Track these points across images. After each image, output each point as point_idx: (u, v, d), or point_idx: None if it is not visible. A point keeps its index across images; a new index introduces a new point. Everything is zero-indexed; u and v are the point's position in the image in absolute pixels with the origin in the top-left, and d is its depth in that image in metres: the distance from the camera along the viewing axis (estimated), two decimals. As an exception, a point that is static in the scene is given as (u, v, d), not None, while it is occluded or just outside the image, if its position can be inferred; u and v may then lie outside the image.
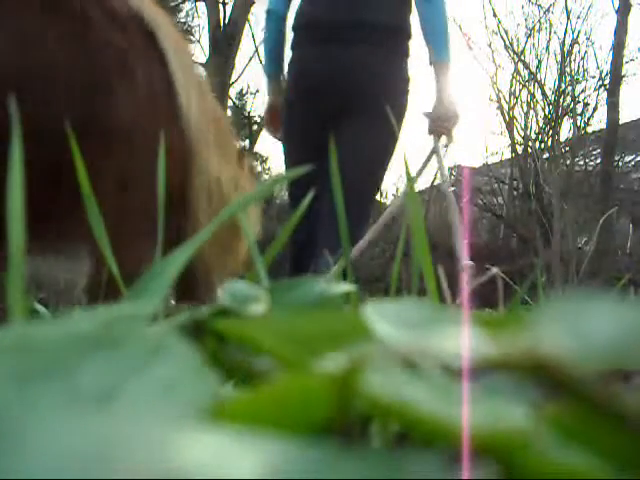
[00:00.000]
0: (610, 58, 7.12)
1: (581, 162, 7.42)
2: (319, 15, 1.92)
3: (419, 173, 1.67)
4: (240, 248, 1.28)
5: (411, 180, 0.53)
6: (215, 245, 1.14)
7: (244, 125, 10.09)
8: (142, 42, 1.03)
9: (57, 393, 0.16)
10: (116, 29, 0.98)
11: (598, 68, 7.73)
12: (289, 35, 2.05)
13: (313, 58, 1.92)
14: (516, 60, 7.79)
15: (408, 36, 1.95)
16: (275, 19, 2.04)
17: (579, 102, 7.63)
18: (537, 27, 7.88)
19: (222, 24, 5.89)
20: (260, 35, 8.37)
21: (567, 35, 7.68)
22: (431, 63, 1.87)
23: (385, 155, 1.93)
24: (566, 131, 8.83)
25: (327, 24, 1.91)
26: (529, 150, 7.63)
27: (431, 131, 1.85)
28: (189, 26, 8.63)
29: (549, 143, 7.55)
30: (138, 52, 1.01)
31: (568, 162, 7.13)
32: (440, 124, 1.85)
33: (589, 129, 7.73)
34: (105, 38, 0.96)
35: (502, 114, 7.84)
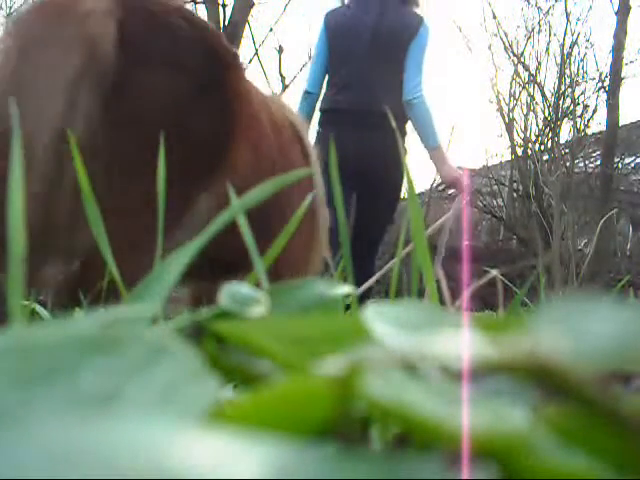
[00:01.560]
0: (610, 60, 7.11)
1: (581, 164, 7.40)
2: (345, 104, 2.47)
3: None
4: (320, 248, 1.70)
5: (411, 182, 0.53)
6: (301, 245, 1.55)
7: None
8: (298, 145, 1.61)
9: (58, 395, 0.16)
10: (288, 145, 1.55)
11: (598, 70, 7.73)
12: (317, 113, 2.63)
13: (339, 138, 2.40)
14: (516, 62, 7.78)
15: (406, 120, 2.49)
16: (311, 100, 2.55)
17: (579, 104, 7.62)
18: (537, 29, 7.87)
19: (222, 26, 5.89)
20: (260, 36, 8.63)
21: (567, 37, 7.65)
22: (425, 148, 2.44)
23: (394, 211, 2.64)
24: (566, 133, 8.82)
25: (351, 112, 2.46)
26: (529, 152, 7.62)
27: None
28: (189, 28, 8.64)
29: (549, 145, 7.54)
30: (298, 154, 1.59)
31: (568, 164, 7.11)
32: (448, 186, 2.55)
33: (589, 131, 7.71)
34: (287, 155, 1.54)
35: (502, 116, 7.83)
